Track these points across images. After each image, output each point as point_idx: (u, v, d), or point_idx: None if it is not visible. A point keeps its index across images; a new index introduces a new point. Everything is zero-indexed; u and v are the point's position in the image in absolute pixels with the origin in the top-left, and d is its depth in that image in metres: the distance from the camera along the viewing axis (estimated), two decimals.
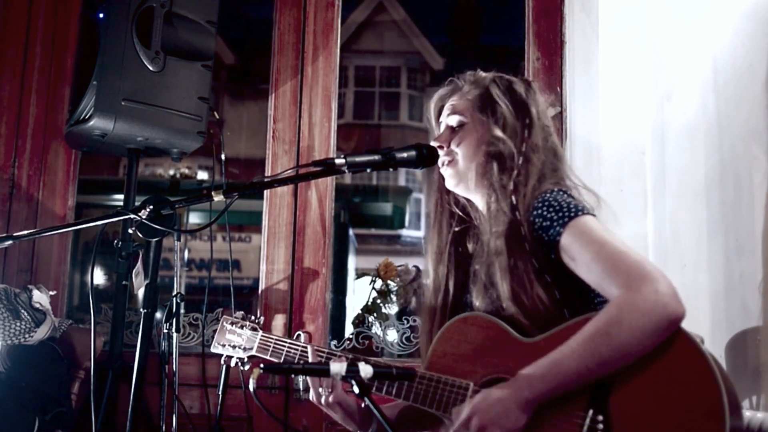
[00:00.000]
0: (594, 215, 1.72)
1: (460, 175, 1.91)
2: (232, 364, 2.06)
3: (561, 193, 1.75)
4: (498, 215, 1.79)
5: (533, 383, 1.56)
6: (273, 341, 2.01)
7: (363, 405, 1.89)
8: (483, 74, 1.99)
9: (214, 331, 2.12)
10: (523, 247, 1.72)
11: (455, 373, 1.73)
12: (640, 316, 1.50)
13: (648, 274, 1.54)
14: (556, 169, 1.86)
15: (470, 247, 1.96)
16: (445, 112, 1.98)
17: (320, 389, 1.88)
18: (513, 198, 1.77)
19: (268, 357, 2.01)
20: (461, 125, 1.93)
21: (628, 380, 1.52)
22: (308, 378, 1.90)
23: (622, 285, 1.56)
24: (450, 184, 1.95)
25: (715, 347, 2.10)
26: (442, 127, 2.00)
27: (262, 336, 2.03)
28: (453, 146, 1.92)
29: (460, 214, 1.99)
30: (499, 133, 1.86)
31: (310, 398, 1.92)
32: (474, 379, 1.70)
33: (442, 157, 1.93)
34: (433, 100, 2.06)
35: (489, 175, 1.84)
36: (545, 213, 1.71)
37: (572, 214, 1.68)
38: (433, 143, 1.95)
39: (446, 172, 1.95)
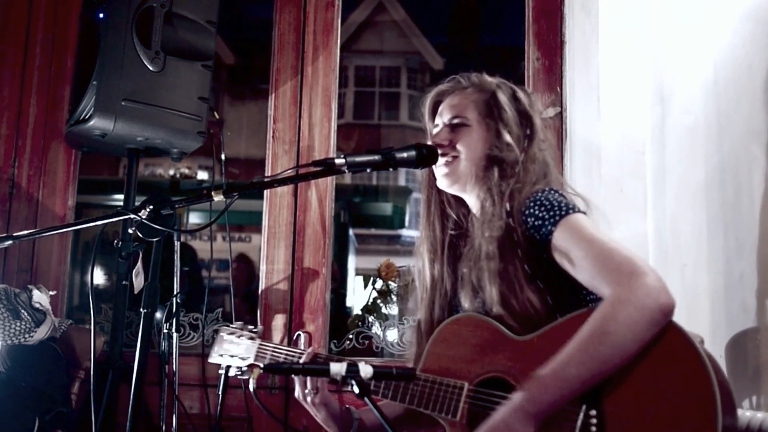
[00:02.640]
0: (585, 213, 1.73)
1: (458, 176, 1.90)
2: (231, 373, 2.06)
3: (552, 192, 1.76)
4: (492, 220, 1.78)
5: (536, 399, 1.55)
6: (271, 349, 2.01)
7: (344, 405, 1.94)
8: (488, 78, 1.98)
9: (215, 331, 2.11)
10: (516, 252, 1.73)
11: (450, 373, 1.74)
12: (634, 311, 1.51)
13: (637, 268, 1.55)
14: (546, 176, 1.87)
15: (460, 249, 1.96)
16: (446, 110, 1.96)
17: (306, 390, 1.89)
18: (508, 205, 1.78)
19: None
20: (462, 125, 1.91)
21: (621, 374, 1.53)
22: (295, 378, 1.90)
23: (612, 282, 1.57)
24: (444, 183, 1.93)
25: (715, 347, 2.10)
26: (438, 124, 1.97)
27: (260, 345, 2.03)
28: (455, 145, 1.90)
29: (453, 215, 1.98)
30: (508, 138, 1.85)
31: (296, 396, 1.93)
32: (469, 379, 1.71)
33: (442, 156, 1.91)
34: (430, 94, 2.02)
35: (488, 179, 1.84)
36: (537, 212, 1.72)
37: (563, 212, 1.69)
38: (431, 141, 1.93)
39: (442, 170, 1.92)
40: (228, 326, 2.11)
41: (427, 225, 2.00)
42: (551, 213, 1.70)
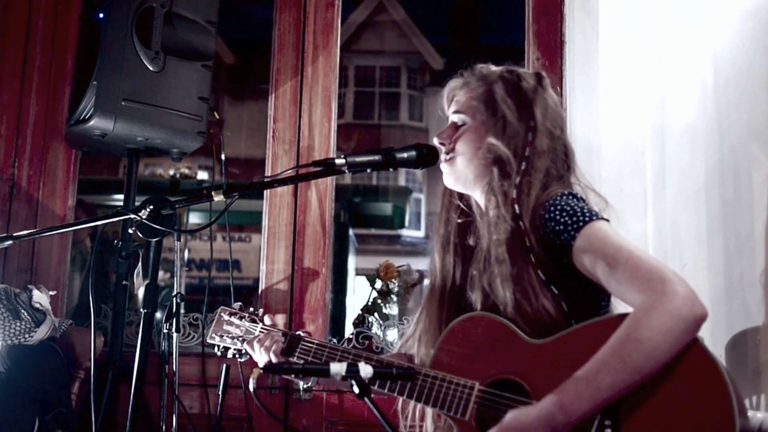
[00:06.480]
0: (607, 220, 1.70)
1: (457, 174, 1.88)
2: (229, 355, 2.03)
3: (571, 197, 1.72)
4: (498, 222, 1.74)
5: (569, 409, 1.50)
6: (274, 333, 1.97)
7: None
8: (492, 69, 1.92)
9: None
10: (528, 258, 1.69)
11: (461, 372, 1.71)
12: (670, 319, 1.48)
13: (668, 277, 1.52)
14: (561, 176, 1.82)
15: (471, 242, 1.92)
16: (452, 105, 1.93)
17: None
18: (516, 207, 1.73)
19: None
20: (464, 123, 1.88)
21: None
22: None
23: (644, 289, 1.53)
24: (448, 182, 1.91)
25: (715, 347, 2.10)
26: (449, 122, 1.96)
27: (262, 327, 1.99)
28: (455, 144, 1.87)
29: (463, 207, 1.95)
30: (496, 138, 1.80)
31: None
32: (480, 378, 1.69)
33: (442, 154, 1.89)
34: (444, 91, 1.99)
35: (489, 179, 1.80)
36: (558, 217, 1.67)
37: (586, 219, 1.65)
38: (435, 139, 1.92)
39: (444, 169, 1.90)
40: (228, 307, 2.06)
41: (441, 217, 1.97)
42: (574, 219, 1.66)
